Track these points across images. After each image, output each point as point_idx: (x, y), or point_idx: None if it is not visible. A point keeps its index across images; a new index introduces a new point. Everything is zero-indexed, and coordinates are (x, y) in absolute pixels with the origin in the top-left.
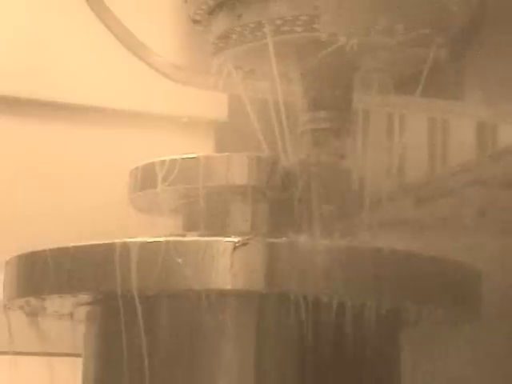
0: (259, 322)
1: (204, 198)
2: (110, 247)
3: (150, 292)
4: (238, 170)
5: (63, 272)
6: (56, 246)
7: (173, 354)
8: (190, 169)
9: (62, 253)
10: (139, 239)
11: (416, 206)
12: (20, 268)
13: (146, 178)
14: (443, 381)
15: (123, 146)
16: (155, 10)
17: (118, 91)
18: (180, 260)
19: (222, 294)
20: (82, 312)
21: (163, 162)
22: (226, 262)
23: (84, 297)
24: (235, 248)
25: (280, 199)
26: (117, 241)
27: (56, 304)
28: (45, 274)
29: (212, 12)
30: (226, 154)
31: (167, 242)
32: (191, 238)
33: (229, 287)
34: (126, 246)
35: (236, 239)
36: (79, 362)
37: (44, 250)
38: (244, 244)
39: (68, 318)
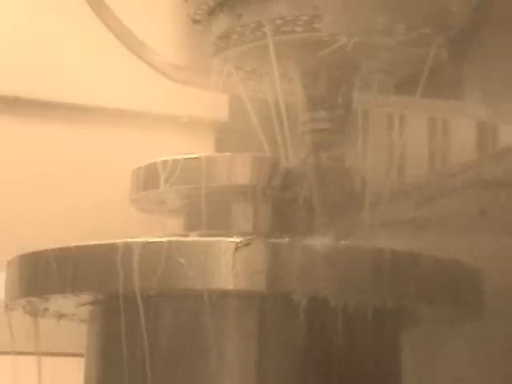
0: (261, 321)
1: (206, 198)
2: (112, 247)
3: (152, 292)
4: (240, 170)
5: (66, 272)
6: (57, 246)
7: (174, 353)
8: (193, 169)
9: (64, 253)
10: (141, 239)
11: (416, 206)
12: (22, 268)
13: (148, 178)
14: (443, 380)
15: (123, 145)
16: (155, 9)
17: (118, 91)
18: (182, 260)
19: (224, 294)
20: (84, 312)
21: (166, 162)
22: (228, 263)
23: (86, 297)
24: (237, 248)
25: (282, 199)
26: (119, 241)
27: (58, 304)
28: (47, 274)
29: (212, 12)
30: (228, 154)
31: (169, 242)
32: (193, 238)
33: (231, 287)
34: (128, 246)
35: (238, 239)
36: (81, 361)
37: (46, 250)
38: (246, 244)
39: (69, 318)
